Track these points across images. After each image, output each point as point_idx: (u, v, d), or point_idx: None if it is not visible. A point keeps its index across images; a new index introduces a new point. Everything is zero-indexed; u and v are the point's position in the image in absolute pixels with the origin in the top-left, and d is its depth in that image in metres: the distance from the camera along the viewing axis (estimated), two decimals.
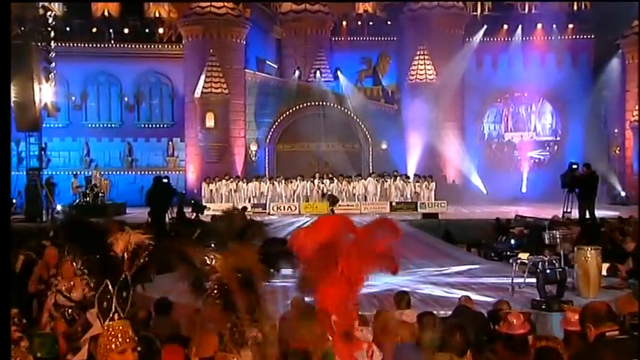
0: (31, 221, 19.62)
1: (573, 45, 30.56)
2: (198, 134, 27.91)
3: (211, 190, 25.69)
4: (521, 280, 10.37)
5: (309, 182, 25.71)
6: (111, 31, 29.51)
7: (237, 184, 25.80)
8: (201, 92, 27.23)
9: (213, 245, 2.85)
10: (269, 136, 29.04)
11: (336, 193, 24.93)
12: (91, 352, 2.60)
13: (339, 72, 29.87)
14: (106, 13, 30.12)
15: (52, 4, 24.31)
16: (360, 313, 6.42)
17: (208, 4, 27.84)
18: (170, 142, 29.90)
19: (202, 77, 27.23)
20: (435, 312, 7.10)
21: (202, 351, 2.82)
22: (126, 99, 30.15)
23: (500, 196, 25.91)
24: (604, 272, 10.79)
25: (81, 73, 29.14)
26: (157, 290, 7.24)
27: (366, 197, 25.56)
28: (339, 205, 24.06)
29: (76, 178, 25.87)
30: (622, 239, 12.74)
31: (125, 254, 2.53)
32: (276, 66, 30.81)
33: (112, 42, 29.46)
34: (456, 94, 28.74)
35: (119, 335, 2.49)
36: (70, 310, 6.62)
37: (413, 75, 28.51)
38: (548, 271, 9.18)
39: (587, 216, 15.61)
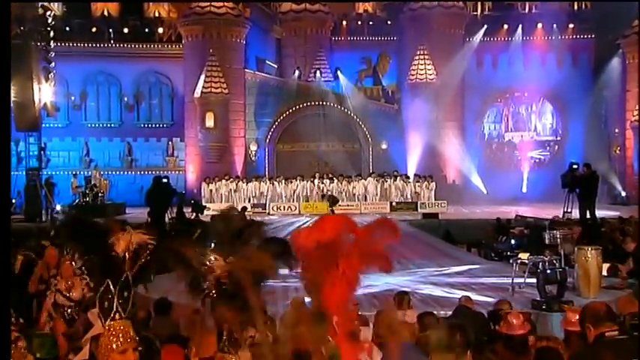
0: (30, 221, 19.60)
1: (574, 45, 30.55)
2: (198, 134, 27.90)
3: (211, 190, 25.68)
4: (521, 280, 10.37)
5: (309, 182, 25.69)
6: (110, 30, 29.50)
7: (237, 184, 25.78)
8: (201, 92, 27.22)
9: (213, 245, 2.83)
10: (269, 136, 29.03)
11: (336, 193, 24.92)
12: (92, 352, 2.59)
13: (339, 72, 29.86)
14: (105, 13, 30.11)
15: (52, 3, 24.27)
16: (359, 313, 6.45)
17: (208, 3, 27.83)
18: (170, 142, 29.88)
19: (202, 77, 27.22)
20: (435, 312, 7.09)
21: (202, 351, 2.82)
22: (125, 99, 30.14)
23: (500, 196, 25.90)
24: (604, 272, 10.80)
25: (80, 72, 29.13)
26: (156, 290, 7.22)
27: (366, 197, 25.55)
28: (339, 205, 24.03)
29: (76, 178, 25.85)
30: (622, 239, 12.73)
31: (126, 254, 2.53)
32: (276, 66, 30.80)
33: (112, 42, 29.45)
34: (457, 93, 28.73)
35: (120, 335, 2.49)
36: (69, 310, 6.61)
37: (413, 75, 28.50)
38: (548, 271, 9.18)
39: (588, 216, 15.60)
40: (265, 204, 25.10)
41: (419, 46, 28.31)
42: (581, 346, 4.03)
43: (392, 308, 6.10)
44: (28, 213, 20.83)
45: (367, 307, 8.22)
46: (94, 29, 29.43)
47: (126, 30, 29.59)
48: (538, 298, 9.06)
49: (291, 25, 30.32)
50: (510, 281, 10.59)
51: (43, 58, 21.61)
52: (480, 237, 16.81)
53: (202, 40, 27.93)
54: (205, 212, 20.21)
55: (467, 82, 29.15)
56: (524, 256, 11.16)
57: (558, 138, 31.54)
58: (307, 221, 21.14)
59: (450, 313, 7.31)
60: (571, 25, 30.44)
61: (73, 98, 29.58)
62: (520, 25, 29.87)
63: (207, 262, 2.70)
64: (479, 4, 31.01)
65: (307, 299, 2.72)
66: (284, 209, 24.94)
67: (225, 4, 27.94)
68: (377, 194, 25.57)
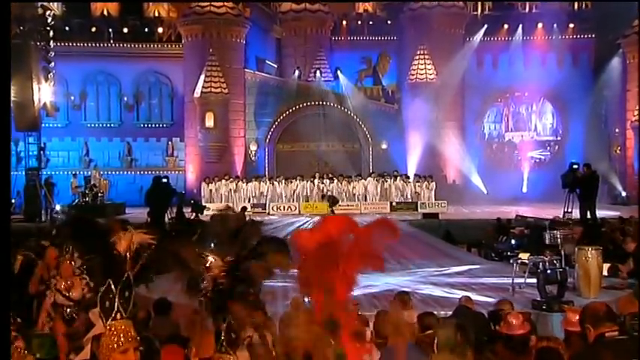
0: (30, 221, 19.58)
1: (574, 44, 30.54)
2: (198, 134, 27.88)
3: (211, 190, 25.66)
4: (521, 280, 10.35)
5: (309, 182, 25.67)
6: (110, 30, 29.48)
7: (236, 184, 25.76)
8: (201, 92, 27.20)
9: (213, 245, 2.82)
10: (269, 136, 29.01)
11: (336, 193, 24.90)
12: (93, 351, 2.58)
13: (339, 72, 29.84)
14: (105, 13, 30.09)
15: (52, 3, 24.24)
16: (359, 313, 6.43)
17: (208, 3, 27.81)
18: (169, 142, 29.86)
19: (202, 77, 27.20)
20: (435, 312, 7.08)
21: (202, 351, 2.81)
22: (125, 99, 30.13)
23: (500, 196, 25.88)
24: (605, 272, 10.79)
25: (80, 72, 29.11)
26: (156, 290, 7.20)
27: (366, 197, 25.53)
28: (339, 206, 24.02)
29: (75, 178, 25.83)
30: (623, 239, 12.70)
31: (128, 254, 2.53)
32: (275, 65, 30.79)
33: (112, 41, 29.43)
34: (457, 93, 28.71)
35: (121, 335, 2.49)
36: (68, 310, 6.59)
37: (413, 74, 28.49)
38: (548, 271, 9.16)
39: (588, 216, 15.58)
40: (265, 204, 25.08)
41: (419, 46, 28.30)
42: (581, 347, 4.02)
43: (398, 308, 6.10)
44: (28, 213, 20.81)
45: (367, 307, 8.21)
46: (93, 29, 29.41)
47: (125, 30, 29.57)
48: (538, 299, 9.04)
49: (291, 24, 30.30)
50: (511, 281, 10.58)
51: (42, 57, 21.58)
52: (480, 237, 16.79)
53: (202, 39, 27.91)
54: (205, 212, 20.21)
55: (467, 81, 29.13)
56: (524, 256, 11.15)
57: (558, 138, 31.52)
58: (307, 221, 21.15)
59: (450, 313, 7.29)
60: (571, 25, 30.43)
61: (72, 98, 29.56)
62: (520, 25, 29.85)
63: (205, 262, 2.70)
64: (479, 3, 31.00)
65: (307, 299, 2.71)
66: (284, 209, 24.92)
67: (225, 3, 27.92)
68: (377, 194, 25.55)
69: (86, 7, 29.75)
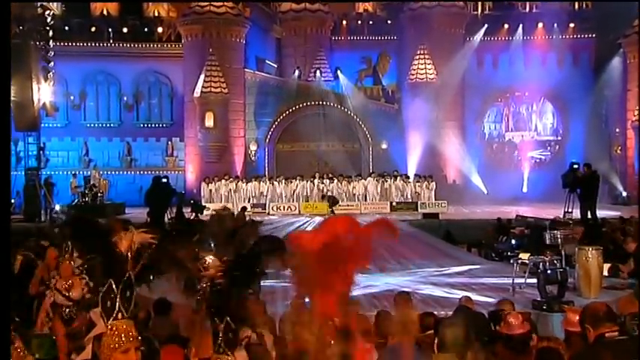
0: (29, 221, 19.55)
1: (574, 44, 30.52)
2: (198, 134, 27.86)
3: (211, 190, 25.65)
4: (522, 280, 10.34)
5: (308, 182, 25.66)
6: (110, 30, 29.47)
7: (236, 184, 25.74)
8: (201, 92, 27.18)
9: (213, 245, 2.81)
10: (269, 136, 28.99)
11: (336, 193, 24.89)
12: (94, 351, 2.57)
13: (339, 71, 29.83)
14: (104, 13, 30.07)
15: (51, 3, 24.22)
16: (359, 313, 6.41)
17: (207, 3, 27.79)
18: (169, 142, 29.84)
19: (202, 77, 27.18)
20: (435, 312, 7.06)
21: (202, 351, 2.79)
22: (125, 98, 30.11)
23: (500, 196, 25.85)
24: (605, 272, 10.77)
25: (80, 72, 29.10)
26: (156, 291, 7.18)
27: (366, 197, 25.51)
28: (339, 206, 24.01)
29: (75, 178, 25.81)
30: (623, 239, 12.67)
31: (129, 253, 2.53)
32: (275, 65, 30.78)
33: (111, 41, 29.41)
34: (457, 93, 28.70)
35: (122, 335, 2.49)
36: (67, 310, 6.57)
37: (413, 74, 28.47)
38: (549, 271, 9.13)
39: (589, 216, 15.56)
40: (265, 204, 25.06)
41: (419, 46, 28.28)
42: (581, 347, 4.01)
43: (405, 306, 6.08)
44: (27, 213, 20.79)
45: (367, 307, 8.19)
46: (93, 29, 29.39)
47: (125, 29, 29.55)
48: (539, 299, 9.02)
49: (291, 24, 30.29)
50: (511, 281, 10.57)
51: (42, 57, 21.56)
52: (481, 237, 16.77)
53: (202, 39, 27.90)
54: (205, 212, 20.18)
55: (467, 81, 29.11)
56: (524, 256, 11.14)
57: (559, 138, 31.51)
58: (307, 221, 21.16)
59: (451, 313, 7.27)
60: (572, 25, 30.41)
61: (72, 98, 29.55)
62: (521, 25, 29.84)
63: (203, 263, 2.69)
64: (479, 3, 30.97)
65: (307, 299, 2.70)
66: (284, 209, 24.91)
67: (225, 3, 27.90)
68: (377, 194, 25.54)
69: (86, 6, 29.74)
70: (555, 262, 9.39)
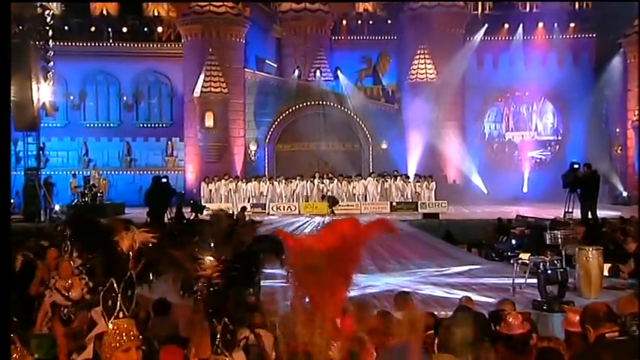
0: (29, 221, 19.53)
1: (575, 44, 30.51)
2: (198, 134, 27.85)
3: (210, 190, 25.63)
4: (522, 280, 10.32)
5: (308, 182, 25.64)
6: (109, 30, 29.47)
7: (236, 184, 25.72)
8: (201, 91, 27.17)
9: (212, 245, 2.80)
10: (269, 136, 28.97)
11: (336, 193, 24.88)
12: (95, 350, 2.58)
13: (339, 71, 29.82)
14: (104, 12, 30.06)
15: (51, 3, 24.19)
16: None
17: (207, 3, 27.79)
18: (169, 142, 29.83)
19: (201, 76, 27.16)
20: (435, 312, 7.04)
21: (201, 352, 2.78)
22: (125, 98, 30.10)
23: (501, 196, 25.83)
24: (605, 273, 10.75)
25: (79, 72, 29.08)
26: (155, 291, 7.16)
27: (366, 197, 25.50)
28: (339, 206, 24.00)
29: (75, 178, 25.80)
30: (624, 239, 12.64)
31: (130, 253, 2.53)
32: (275, 65, 30.76)
33: (111, 41, 29.41)
34: (457, 93, 28.69)
35: (124, 334, 2.49)
36: (65, 311, 6.56)
37: (413, 74, 28.46)
38: (549, 271, 9.11)
39: (589, 216, 15.55)
40: (265, 204, 25.04)
41: (419, 46, 28.27)
42: (582, 347, 3.99)
43: (413, 305, 6.06)
44: (27, 213, 20.77)
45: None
46: (92, 28, 29.39)
47: (125, 29, 29.55)
48: (539, 299, 9.00)
49: (291, 24, 30.28)
50: (511, 281, 10.55)
51: (41, 57, 21.55)
52: (481, 237, 16.74)
53: (202, 39, 27.88)
54: (205, 212, 20.16)
55: (467, 81, 29.10)
56: (525, 256, 11.13)
57: (559, 138, 31.49)
58: (307, 221, 21.15)
59: (451, 313, 7.25)
60: (572, 25, 30.40)
61: (71, 98, 29.54)
62: (521, 25, 29.83)
63: (200, 264, 2.67)
64: (479, 3, 30.97)
65: (306, 299, 2.69)
66: (284, 209, 24.89)
67: (225, 3, 27.89)
68: (377, 194, 25.52)
69: (85, 6, 29.72)
70: (556, 262, 9.36)
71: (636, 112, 27.33)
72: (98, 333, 2.54)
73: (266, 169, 28.70)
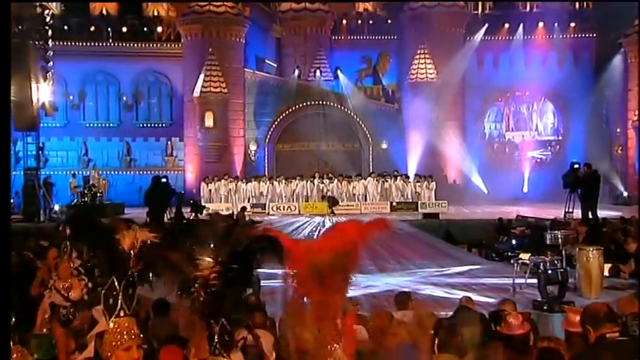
0: (28, 221, 19.51)
1: (575, 44, 30.50)
2: (197, 134, 27.83)
3: (210, 190, 25.60)
4: (522, 280, 10.32)
5: (308, 182, 25.62)
6: (109, 29, 29.45)
7: (236, 184, 25.70)
8: (200, 91, 27.15)
9: (212, 245, 2.78)
10: (268, 136, 28.96)
11: (336, 193, 24.86)
12: (96, 348, 2.58)
13: (339, 71, 29.80)
14: (104, 12, 30.04)
15: (50, 2, 24.17)
16: (359, 313, 6.38)
17: (207, 2, 27.76)
18: (169, 142, 29.81)
19: (201, 76, 27.14)
20: (435, 313, 7.02)
21: (201, 352, 2.76)
22: (124, 98, 30.09)
23: (501, 196, 25.80)
24: (606, 273, 10.74)
25: (79, 72, 29.06)
26: (155, 291, 7.14)
27: (366, 197, 25.47)
28: (339, 206, 23.99)
29: (74, 178, 25.76)
30: (624, 239, 12.62)
31: (132, 251, 2.52)
32: (275, 65, 30.75)
33: (110, 41, 29.38)
34: (457, 93, 28.67)
35: (125, 332, 2.49)
36: (64, 311, 6.54)
37: (413, 74, 28.44)
38: (549, 271, 9.10)
39: (590, 216, 15.54)
40: (265, 204, 25.02)
41: (419, 45, 28.25)
42: (582, 347, 3.98)
43: (424, 306, 6.06)
44: (26, 213, 20.74)
45: (367, 308, 8.16)
46: (92, 28, 29.37)
47: (125, 29, 29.53)
48: (539, 299, 8.99)
49: (291, 24, 30.27)
50: (511, 282, 10.55)
51: (41, 57, 21.52)
52: (481, 237, 16.71)
53: (201, 39, 27.86)
54: (204, 212, 20.13)
55: (467, 81, 29.09)
56: (525, 256, 11.13)
57: (559, 137, 31.48)
58: (307, 221, 21.13)
59: (451, 313, 7.23)
60: (572, 24, 30.39)
61: (71, 98, 29.51)
62: (521, 24, 29.82)
63: (198, 265, 2.66)
64: (480, 3, 30.96)
65: (306, 299, 2.67)
66: (284, 209, 24.87)
67: (225, 3, 27.87)
68: (377, 194, 25.50)
69: (85, 6, 29.69)
70: (556, 262, 9.35)
71: (636, 112, 27.31)
72: (99, 331, 2.53)
73: (266, 169, 28.68)
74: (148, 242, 2.56)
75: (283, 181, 25.76)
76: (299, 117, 28.62)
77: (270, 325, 6.18)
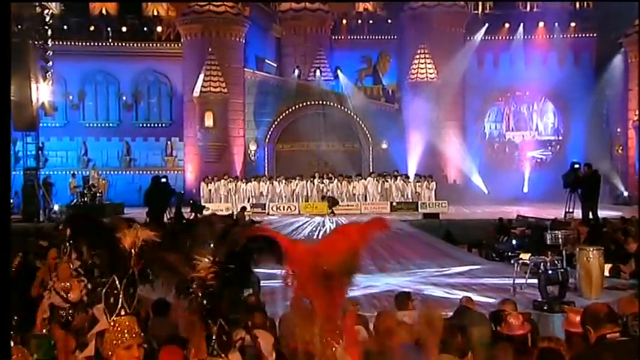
0: (28, 221, 19.50)
1: (575, 43, 30.49)
2: (197, 134, 27.81)
3: (210, 190, 25.59)
4: (522, 280, 10.31)
5: (308, 182, 25.61)
6: (109, 29, 29.44)
7: (236, 184, 25.69)
8: (200, 91, 27.13)
9: (212, 245, 2.77)
10: (268, 136, 28.94)
11: (336, 193, 24.86)
12: (97, 347, 2.56)
13: (339, 71, 29.79)
14: (103, 12, 30.04)
15: (50, 2, 24.16)
16: (359, 313, 6.37)
17: (207, 2, 27.76)
18: (168, 142, 29.79)
19: (201, 76, 27.13)
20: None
21: (201, 353, 2.75)
22: (124, 98, 30.07)
23: (501, 196, 25.79)
24: (606, 273, 10.72)
25: (78, 72, 29.03)
26: (155, 290, 7.12)
27: (366, 197, 25.47)
28: (339, 206, 23.98)
29: (74, 178, 25.75)
30: (625, 240, 12.60)
31: (133, 250, 2.52)
32: (275, 65, 30.74)
33: (110, 41, 29.37)
34: (457, 93, 28.67)
35: (125, 331, 2.49)
36: (63, 313, 6.52)
37: (413, 74, 28.43)
38: (550, 271, 9.08)
39: (590, 216, 15.52)
40: (265, 204, 25.02)
41: (419, 45, 28.24)
42: (582, 348, 3.97)
43: (433, 306, 6.05)
44: (26, 213, 20.73)
45: (367, 308, 8.15)
46: (92, 28, 29.36)
47: (124, 29, 29.52)
48: (539, 299, 8.96)
49: (291, 23, 30.25)
50: (512, 282, 10.53)
51: (40, 57, 21.51)
52: (481, 237, 16.70)
53: (201, 38, 27.85)
54: (204, 212, 20.11)
55: (468, 81, 29.08)
56: (525, 256, 11.11)
57: (560, 137, 31.47)
58: (307, 221, 21.12)
59: (451, 314, 7.22)
60: (573, 24, 30.39)
61: (71, 97, 29.50)
62: (521, 24, 29.82)
63: (195, 265, 2.65)
64: (480, 2, 30.95)
65: (306, 300, 2.66)
66: (283, 209, 24.86)
67: (224, 2, 27.86)
68: (377, 194, 25.50)
69: (84, 6, 29.68)
70: (556, 262, 9.33)
71: (637, 112, 27.30)
72: (100, 330, 2.52)
73: (266, 169, 28.67)
74: (150, 241, 2.55)
75: (283, 181, 25.75)
76: (299, 117, 28.61)
77: (270, 326, 6.17)
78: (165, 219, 17.97)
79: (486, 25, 29.73)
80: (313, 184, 25.54)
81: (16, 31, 19.67)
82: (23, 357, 3.92)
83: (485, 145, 31.38)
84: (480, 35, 29.59)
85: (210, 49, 27.14)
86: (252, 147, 28.91)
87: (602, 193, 17.57)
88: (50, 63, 22.10)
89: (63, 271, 6.74)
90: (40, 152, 22.46)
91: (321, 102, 28.60)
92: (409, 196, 25.48)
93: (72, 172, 26.82)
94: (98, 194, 24.18)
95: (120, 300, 2.49)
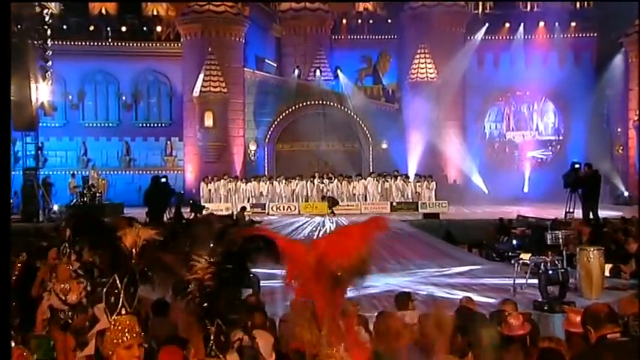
0: (27, 222, 19.49)
1: (576, 43, 30.49)
2: (197, 133, 27.81)
3: (210, 190, 25.59)
4: (523, 280, 10.30)
5: (308, 182, 25.61)
6: (108, 29, 29.45)
7: (236, 184, 25.68)
8: (200, 91, 27.13)
9: (212, 245, 2.76)
10: (268, 136, 28.94)
11: (336, 193, 24.86)
12: (97, 346, 2.57)
13: (339, 71, 29.79)
14: (103, 11, 30.04)
15: (49, 2, 24.14)
16: (359, 313, 6.35)
17: (207, 2, 27.77)
18: (168, 142, 29.79)
19: (201, 76, 27.13)
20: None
21: (201, 353, 2.73)
22: (123, 98, 30.07)
23: (501, 196, 25.79)
24: (607, 273, 10.71)
25: (78, 71, 29.03)
26: (155, 290, 7.10)
27: (366, 197, 25.47)
28: (339, 206, 23.97)
29: (74, 178, 25.75)
30: (625, 240, 12.59)
31: (134, 249, 2.52)
32: (275, 64, 30.73)
33: (110, 40, 29.38)
34: (457, 93, 28.67)
35: (126, 330, 2.49)
36: (62, 315, 6.51)
37: (414, 74, 28.43)
38: (550, 271, 9.06)
39: (591, 216, 15.51)
40: (265, 204, 25.01)
41: (419, 45, 28.25)
42: (583, 348, 3.97)
43: (442, 307, 6.03)
44: (25, 213, 20.72)
45: (367, 308, 8.13)
46: (91, 28, 29.36)
47: (124, 28, 29.52)
48: (540, 299, 8.95)
49: (291, 23, 30.26)
50: (512, 282, 10.52)
51: (40, 56, 21.49)
52: (481, 237, 16.69)
53: (201, 38, 27.84)
54: (204, 212, 20.09)
55: (468, 81, 29.08)
56: (525, 256, 11.11)
57: (560, 137, 31.47)
58: (307, 221, 21.11)
59: (451, 314, 7.20)
60: (573, 24, 30.40)
61: (70, 97, 29.50)
62: (522, 24, 29.84)
63: (192, 266, 2.63)
64: (480, 2, 30.96)
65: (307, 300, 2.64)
66: (283, 209, 24.85)
67: (224, 2, 27.88)
68: (377, 194, 25.50)
69: (84, 5, 29.68)
70: (557, 262, 9.31)
71: (637, 112, 27.29)
72: (100, 329, 2.52)
73: (266, 169, 28.67)
74: (151, 241, 2.55)
75: (283, 181, 25.74)
76: (299, 117, 28.61)
77: (270, 326, 6.15)
78: (165, 219, 17.96)
79: (486, 24, 29.74)
80: (313, 184, 25.53)
81: (16, 30, 19.64)
82: (24, 357, 3.91)
83: (485, 145, 31.38)
84: (480, 35, 29.60)
85: (210, 49, 27.13)
86: (252, 147, 28.91)
87: (602, 193, 17.56)
88: (50, 63, 22.09)
89: (62, 273, 6.73)
90: (39, 152, 22.44)
91: (321, 102, 28.60)
92: (409, 196, 25.47)
93: (71, 172, 26.83)
94: (98, 194, 24.16)
95: (121, 299, 2.48)
